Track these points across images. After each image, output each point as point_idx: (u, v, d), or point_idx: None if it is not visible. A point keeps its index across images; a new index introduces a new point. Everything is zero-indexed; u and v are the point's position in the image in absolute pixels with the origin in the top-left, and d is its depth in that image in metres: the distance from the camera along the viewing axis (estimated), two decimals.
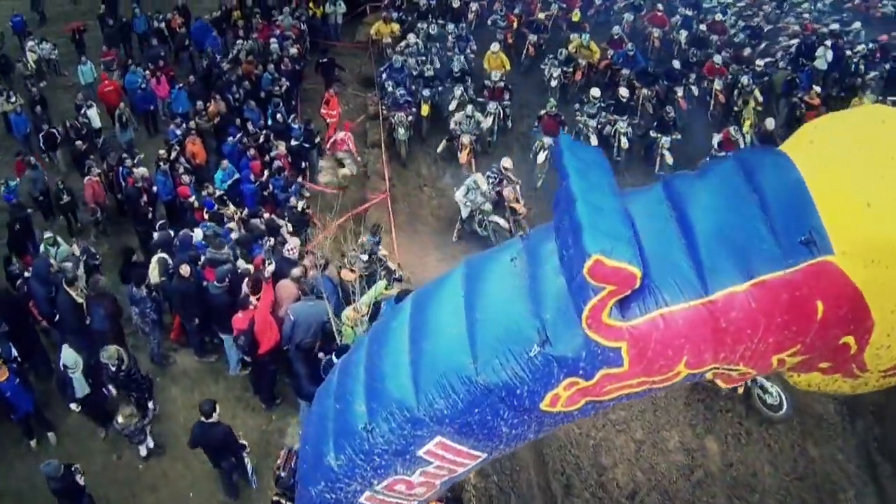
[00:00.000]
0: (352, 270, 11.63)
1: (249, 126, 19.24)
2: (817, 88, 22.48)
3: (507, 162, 18.81)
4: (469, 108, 19.90)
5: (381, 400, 8.07)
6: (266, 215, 15.93)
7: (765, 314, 7.37)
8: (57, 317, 12.13)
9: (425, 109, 20.99)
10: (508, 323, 7.62)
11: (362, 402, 8.26)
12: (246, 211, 16.04)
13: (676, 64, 22.17)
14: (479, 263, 8.41)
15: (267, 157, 18.18)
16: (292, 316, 10.92)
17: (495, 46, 22.34)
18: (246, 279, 11.56)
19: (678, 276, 7.37)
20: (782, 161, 7.98)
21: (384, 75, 22.05)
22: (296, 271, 11.55)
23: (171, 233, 13.33)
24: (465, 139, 19.64)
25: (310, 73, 23.62)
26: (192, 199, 16.58)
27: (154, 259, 12.48)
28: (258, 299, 11.20)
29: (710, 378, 8.31)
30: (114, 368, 10.67)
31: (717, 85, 21.95)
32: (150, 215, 16.27)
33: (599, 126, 20.87)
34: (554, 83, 22.68)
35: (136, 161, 17.41)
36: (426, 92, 20.92)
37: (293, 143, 19.06)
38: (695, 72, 22.65)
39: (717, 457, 12.40)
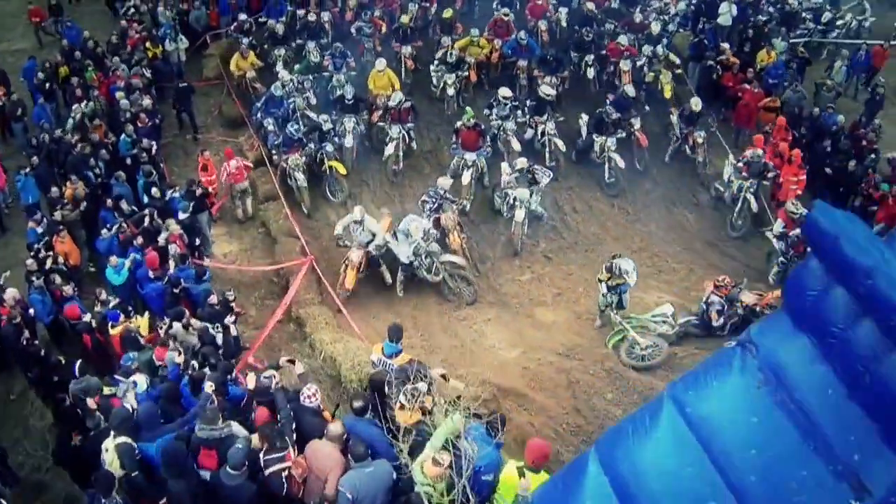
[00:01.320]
0: (428, 411, 8.43)
1: (123, 206, 15.64)
2: (725, 45, 21.42)
3: (444, 181, 16.59)
4: (358, 210, 15.70)
5: None
6: (194, 322, 12.68)
7: None
8: None
9: (341, 168, 17.99)
10: (799, 479, 5.33)
11: None
12: (167, 322, 12.61)
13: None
14: (700, 398, 5.93)
15: (161, 241, 14.82)
16: (349, 494, 7.48)
17: (381, 64, 19.46)
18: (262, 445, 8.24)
19: None
20: None
21: (260, 113, 18.90)
22: (334, 428, 8.26)
23: (129, 407, 9.65)
24: (354, 256, 15.40)
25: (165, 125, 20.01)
26: (86, 317, 13.05)
27: (110, 445, 8.65)
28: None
29: None
30: None
31: (624, 66, 20.09)
32: (41, 352, 12.58)
33: (517, 128, 18.66)
34: (451, 91, 20.17)
35: (1, 282, 13.61)
36: (329, 148, 17.83)
37: (181, 216, 15.64)
38: (593, 52, 20.78)
39: None
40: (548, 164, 18.22)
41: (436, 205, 16.33)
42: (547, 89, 18.87)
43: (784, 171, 17.82)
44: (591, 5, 22.02)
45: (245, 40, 20.98)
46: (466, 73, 20.37)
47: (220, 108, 21.17)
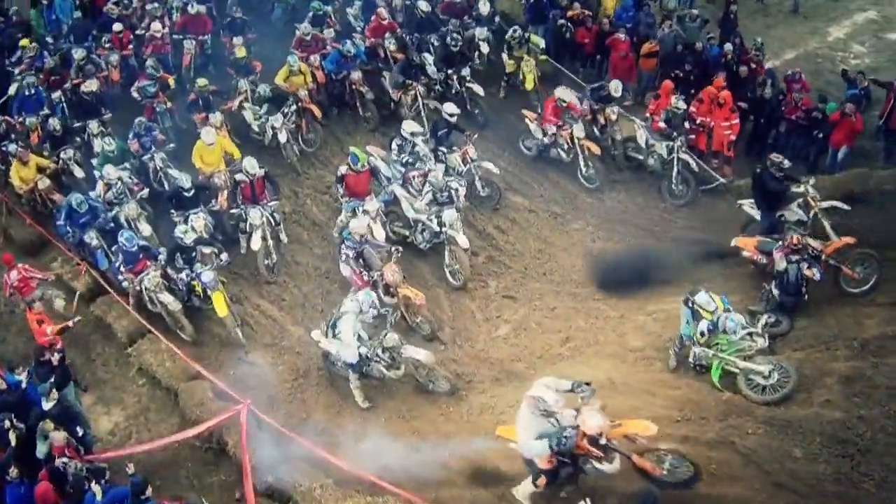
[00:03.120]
0: None
1: None
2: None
3: (357, 224, 13.38)
4: None
5: None
6: None
7: None
8: None
9: (220, 304, 13.20)
10: None
11: None
12: None
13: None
14: None
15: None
16: None
17: (209, 134, 15.12)
18: None
19: None
20: None
21: (67, 228, 14.22)
22: None
23: None
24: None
25: None
26: None
27: None
28: None
29: None
30: None
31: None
32: None
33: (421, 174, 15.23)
34: (283, 137, 16.33)
35: None
36: (207, 278, 13.11)
37: (48, 405, 11.04)
38: (468, 66, 17.69)
39: None
40: (483, 194, 15.52)
41: (357, 252, 13.10)
42: (451, 108, 15.69)
43: (715, 115, 16.05)
44: (423, 5, 18.78)
45: (13, 147, 15.63)
46: (294, 109, 16.61)
47: (4, 234, 15.92)
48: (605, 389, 11.27)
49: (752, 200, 13.84)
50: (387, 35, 18.02)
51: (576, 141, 16.04)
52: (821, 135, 15.68)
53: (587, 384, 9.20)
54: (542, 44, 18.08)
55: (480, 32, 18.17)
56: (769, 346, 11.04)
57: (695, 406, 10.67)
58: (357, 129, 17.81)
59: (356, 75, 17.28)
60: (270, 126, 16.45)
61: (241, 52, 17.59)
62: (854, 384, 10.45)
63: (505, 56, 17.74)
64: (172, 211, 14.40)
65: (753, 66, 17.17)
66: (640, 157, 16.33)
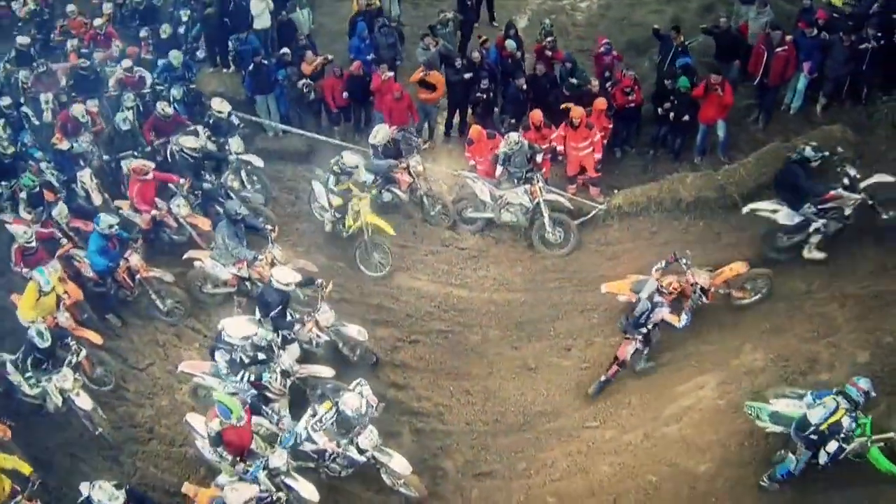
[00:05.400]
0: None
1: None
2: (285, 50, 16.17)
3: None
4: None
5: None
6: None
7: None
8: None
9: None
10: None
11: None
12: None
13: None
14: None
15: None
16: None
17: None
18: None
19: None
20: None
21: None
22: None
23: None
24: None
25: None
26: None
27: None
28: None
29: None
30: None
31: None
32: None
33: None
34: (86, 403, 11.40)
35: None
36: None
37: None
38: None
39: None
40: (355, 359, 12.03)
41: None
42: (284, 275, 11.41)
43: (570, 138, 13.83)
44: (191, 140, 14.15)
45: None
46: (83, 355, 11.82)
47: None
48: None
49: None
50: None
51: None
52: (682, 116, 13.89)
53: None
54: (371, 177, 14.11)
55: (236, 144, 14.42)
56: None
57: None
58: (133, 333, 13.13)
59: (135, 259, 12.56)
60: (56, 389, 11.37)
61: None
62: None
63: (322, 193, 13.83)
64: None
65: (549, 53, 15.21)
66: (489, 215, 13.69)
